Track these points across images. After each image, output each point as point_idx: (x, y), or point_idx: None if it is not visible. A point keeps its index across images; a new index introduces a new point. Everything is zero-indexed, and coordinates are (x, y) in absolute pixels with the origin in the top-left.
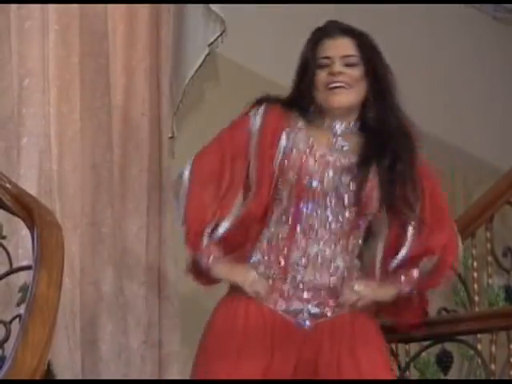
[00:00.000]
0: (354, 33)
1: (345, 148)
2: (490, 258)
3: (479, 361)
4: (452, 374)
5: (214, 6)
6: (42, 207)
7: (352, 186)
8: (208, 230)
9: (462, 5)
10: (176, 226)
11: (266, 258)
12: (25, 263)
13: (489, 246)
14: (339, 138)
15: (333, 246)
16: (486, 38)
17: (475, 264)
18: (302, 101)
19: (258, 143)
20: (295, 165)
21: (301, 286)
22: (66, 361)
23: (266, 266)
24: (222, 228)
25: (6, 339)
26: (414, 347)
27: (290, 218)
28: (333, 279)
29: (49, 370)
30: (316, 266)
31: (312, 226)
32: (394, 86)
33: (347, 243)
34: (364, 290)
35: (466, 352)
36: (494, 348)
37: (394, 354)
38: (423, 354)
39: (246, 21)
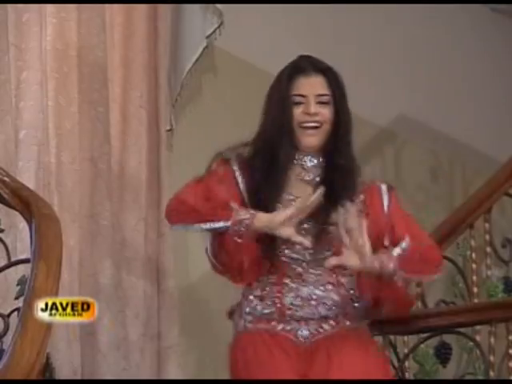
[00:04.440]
0: (327, 70)
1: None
2: (488, 250)
3: (478, 352)
4: (451, 366)
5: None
6: (39, 200)
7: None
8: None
9: None
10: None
11: (262, 301)
12: (23, 256)
13: (487, 237)
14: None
15: (322, 287)
16: (484, 28)
17: (474, 255)
18: (277, 139)
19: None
20: None
21: (299, 319)
22: (64, 354)
23: (264, 307)
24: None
25: (5, 333)
26: (412, 339)
27: (276, 268)
28: (329, 312)
29: (47, 363)
30: (311, 304)
31: (297, 272)
32: (351, 126)
33: (337, 279)
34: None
35: (465, 344)
36: (492, 340)
37: (393, 346)
38: (422, 345)
39: (244, 13)
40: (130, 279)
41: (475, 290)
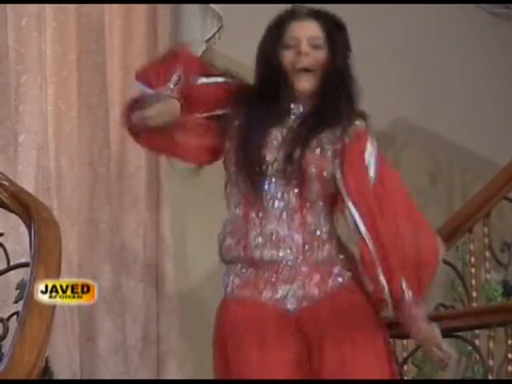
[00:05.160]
0: (322, 15)
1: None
2: (487, 254)
3: (477, 356)
4: (449, 370)
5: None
6: (39, 204)
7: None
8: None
9: None
10: (174, 223)
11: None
12: (23, 260)
13: (486, 241)
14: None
15: (285, 225)
16: (483, 31)
17: (473, 259)
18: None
19: None
20: None
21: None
22: (64, 357)
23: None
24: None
25: (4, 336)
26: (411, 343)
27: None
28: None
29: (47, 367)
30: (272, 244)
31: (263, 206)
32: (351, 74)
33: (303, 219)
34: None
35: (464, 348)
36: (491, 344)
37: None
38: (420, 349)
39: (243, 17)
40: (129, 283)
41: (474, 294)
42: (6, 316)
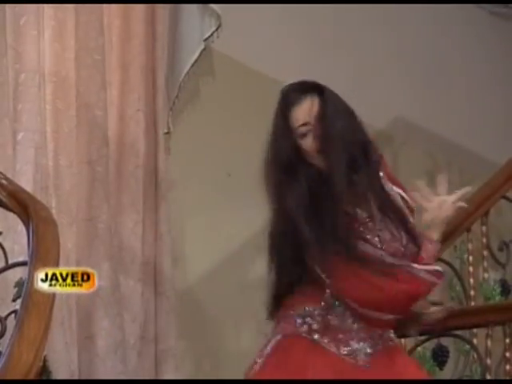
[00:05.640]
0: (313, 89)
1: None
2: (485, 253)
3: (475, 355)
4: (448, 369)
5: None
6: (37, 203)
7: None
8: None
9: None
10: (172, 222)
11: None
12: (21, 259)
13: (484, 240)
14: None
15: None
16: (483, 31)
17: (471, 258)
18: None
19: None
20: None
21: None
22: (62, 356)
23: None
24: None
25: (2, 335)
26: (409, 342)
27: None
28: None
29: (45, 366)
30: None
31: None
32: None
33: None
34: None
35: (462, 347)
36: (489, 342)
37: None
38: (419, 348)
39: (242, 16)
40: (128, 282)
41: (472, 292)
42: (3, 314)
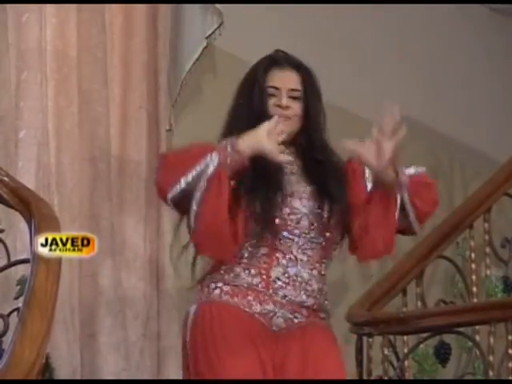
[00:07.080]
0: (300, 67)
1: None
2: (488, 250)
3: (477, 352)
4: (450, 366)
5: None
6: (39, 200)
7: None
8: None
9: None
10: (174, 219)
11: (246, 271)
12: (23, 256)
13: (487, 237)
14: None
15: (309, 270)
16: (484, 28)
17: (473, 255)
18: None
19: None
20: None
21: (282, 299)
22: (64, 354)
23: (249, 277)
24: None
25: (4, 333)
26: (412, 339)
27: (269, 241)
28: (307, 299)
29: (47, 364)
30: (295, 285)
31: (291, 250)
32: (323, 125)
33: (321, 269)
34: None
35: (465, 344)
36: (492, 339)
37: (393, 346)
38: (421, 345)
39: (244, 13)
40: (130, 280)
41: (474, 289)
42: (6, 312)
